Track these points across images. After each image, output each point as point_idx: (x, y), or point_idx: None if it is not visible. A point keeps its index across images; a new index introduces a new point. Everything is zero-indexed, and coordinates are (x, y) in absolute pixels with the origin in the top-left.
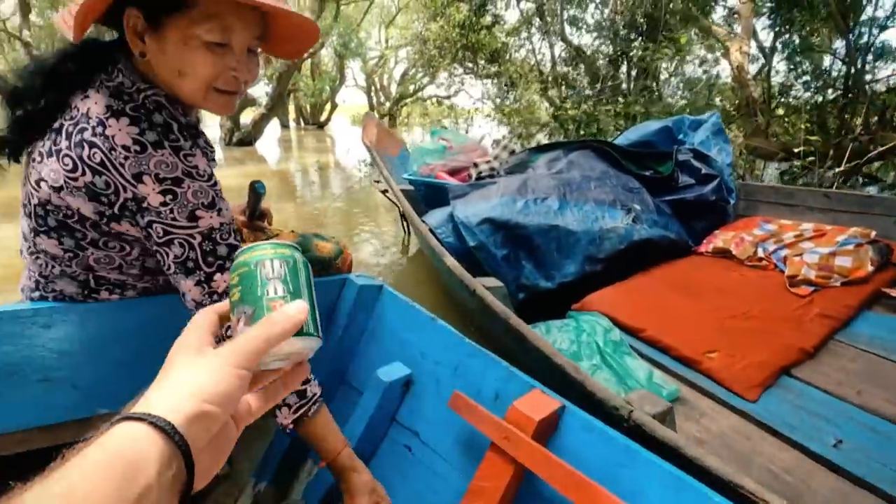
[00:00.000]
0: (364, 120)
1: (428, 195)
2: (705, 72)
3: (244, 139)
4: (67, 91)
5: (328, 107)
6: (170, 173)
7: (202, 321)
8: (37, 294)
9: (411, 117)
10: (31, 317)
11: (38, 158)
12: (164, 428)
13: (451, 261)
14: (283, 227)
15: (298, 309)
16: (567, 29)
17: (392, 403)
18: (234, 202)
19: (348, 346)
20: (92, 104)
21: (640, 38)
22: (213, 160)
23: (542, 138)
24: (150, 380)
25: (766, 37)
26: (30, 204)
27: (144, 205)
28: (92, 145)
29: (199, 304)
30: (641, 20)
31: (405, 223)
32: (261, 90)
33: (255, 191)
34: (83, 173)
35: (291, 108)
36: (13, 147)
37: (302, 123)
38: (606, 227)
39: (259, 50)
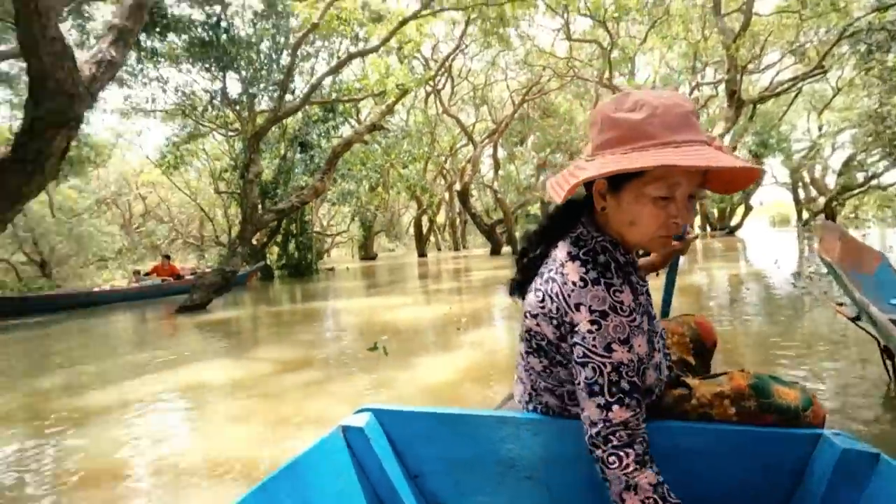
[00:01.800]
0: (821, 231)
1: None
2: None
3: None
4: (551, 243)
5: (740, 210)
6: (599, 306)
7: None
8: (530, 405)
9: (861, 210)
10: (525, 424)
11: (529, 295)
12: None
13: None
14: (733, 365)
15: None
16: None
17: None
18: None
19: None
20: (560, 251)
21: None
22: (643, 293)
23: None
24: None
25: None
26: (523, 330)
27: (576, 329)
28: (553, 281)
29: (593, 424)
30: None
31: (890, 364)
32: None
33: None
34: (547, 302)
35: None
36: (520, 287)
37: (708, 229)
38: None
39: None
